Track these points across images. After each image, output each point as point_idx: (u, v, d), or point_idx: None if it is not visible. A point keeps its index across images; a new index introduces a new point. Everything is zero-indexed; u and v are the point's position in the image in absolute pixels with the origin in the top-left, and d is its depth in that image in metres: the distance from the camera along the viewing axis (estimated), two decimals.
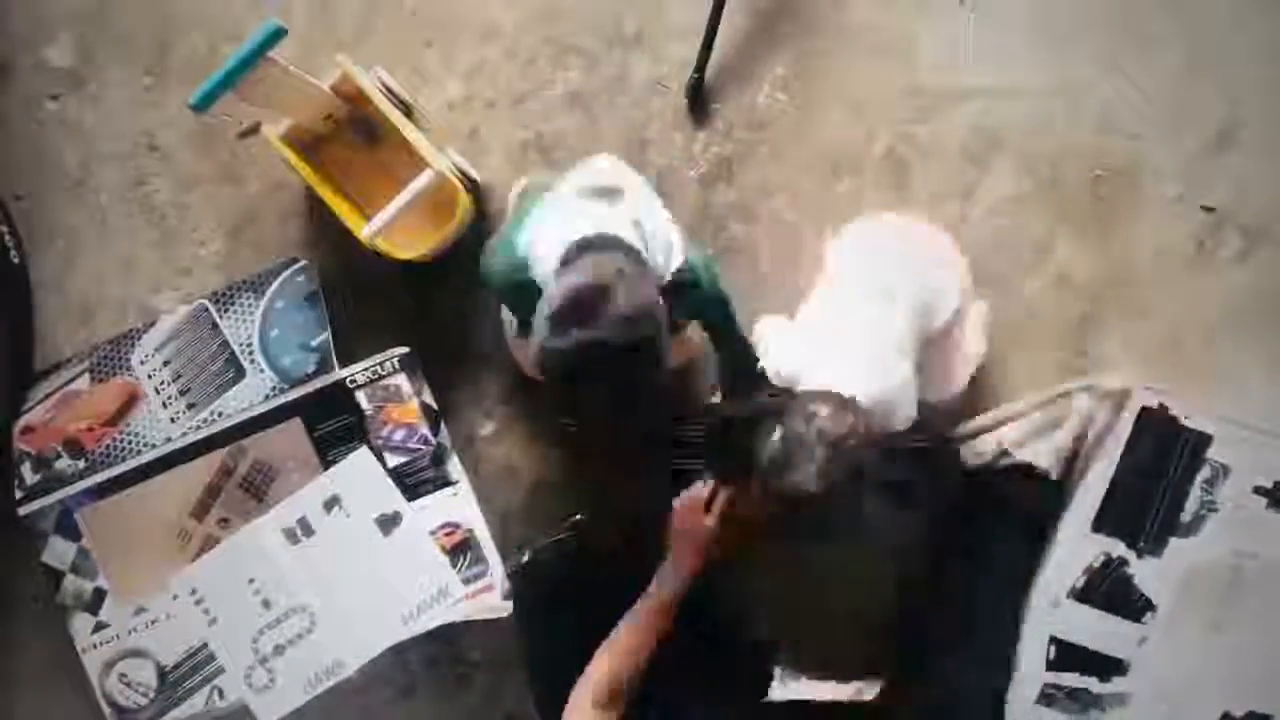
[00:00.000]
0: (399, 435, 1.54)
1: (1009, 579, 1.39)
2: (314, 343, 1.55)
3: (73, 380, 1.59)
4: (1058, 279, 1.49)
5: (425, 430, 1.54)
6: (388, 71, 1.51)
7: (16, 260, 1.62)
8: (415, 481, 1.54)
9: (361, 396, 1.54)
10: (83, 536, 1.56)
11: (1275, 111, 1.48)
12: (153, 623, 1.54)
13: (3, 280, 1.60)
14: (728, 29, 1.49)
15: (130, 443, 1.57)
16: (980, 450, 1.42)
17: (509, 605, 1.47)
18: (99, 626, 1.55)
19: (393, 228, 1.38)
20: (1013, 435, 1.41)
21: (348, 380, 1.54)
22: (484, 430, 1.57)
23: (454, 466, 1.54)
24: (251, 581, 1.52)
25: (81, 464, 1.57)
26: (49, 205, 1.64)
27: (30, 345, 1.64)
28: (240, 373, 1.57)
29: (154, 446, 1.57)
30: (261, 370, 1.56)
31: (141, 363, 1.59)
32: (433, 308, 1.58)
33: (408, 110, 1.54)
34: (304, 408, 1.55)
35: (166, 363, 1.58)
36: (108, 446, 1.57)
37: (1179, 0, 1.48)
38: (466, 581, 1.52)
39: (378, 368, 1.54)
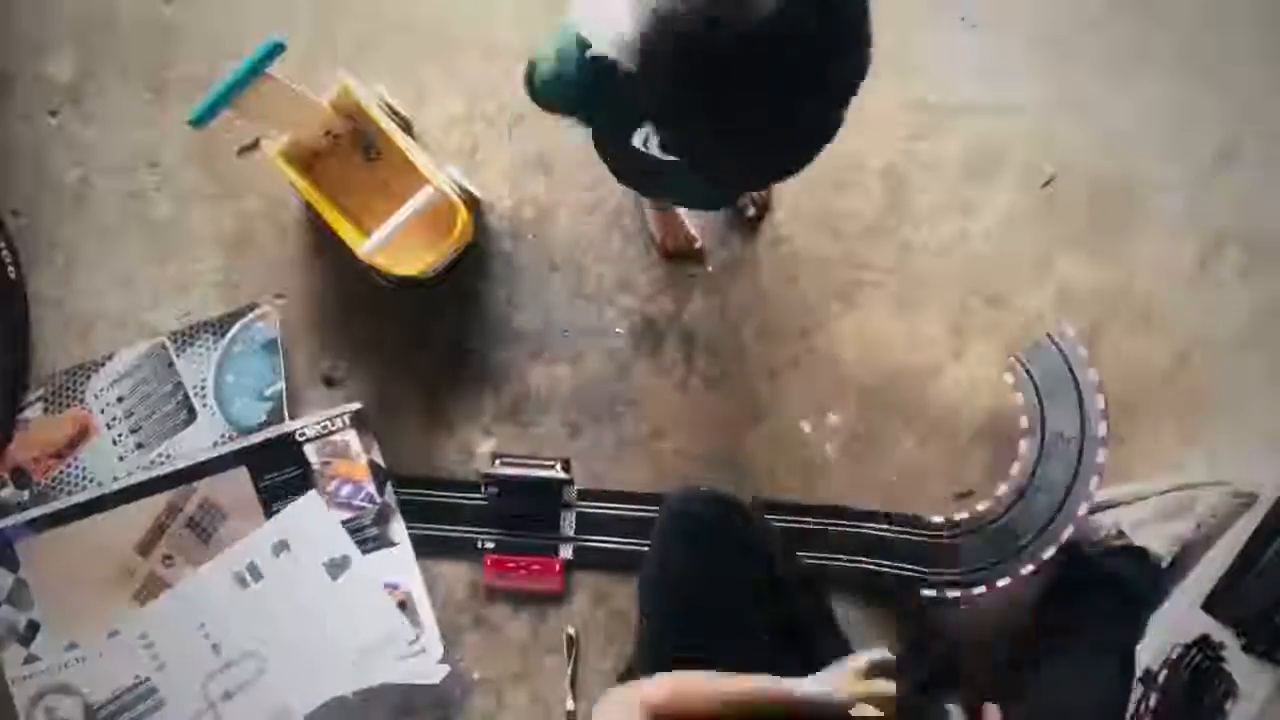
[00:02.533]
0: (345, 491, 1.53)
1: (1108, 660, 1.33)
2: (267, 392, 1.55)
3: (26, 408, 1.58)
4: (1058, 296, 1.48)
5: (371, 489, 1.53)
6: (388, 88, 1.51)
7: (14, 275, 1.62)
8: (358, 540, 1.52)
9: (310, 450, 1.53)
10: (21, 567, 1.53)
11: (1276, 128, 1.48)
12: (83, 660, 1.50)
13: (0, 296, 1.59)
14: None
15: (77, 477, 1.55)
16: (1096, 526, 1.40)
17: (442, 670, 1.46)
18: (30, 659, 1.51)
19: (392, 244, 1.37)
20: (1132, 517, 1.38)
21: (297, 433, 1.53)
22: (482, 448, 1.57)
23: (397, 527, 1.53)
24: (202, 626, 1.50)
25: (26, 495, 1.55)
26: (47, 220, 1.64)
27: (27, 361, 1.63)
28: (192, 415, 1.56)
29: (100, 484, 1.55)
30: (213, 414, 1.55)
31: (95, 396, 1.57)
32: (431, 324, 1.57)
33: (408, 127, 1.54)
34: (252, 457, 1.53)
35: (120, 399, 1.57)
36: (54, 479, 1.55)
37: (1179, 16, 1.49)
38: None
39: (328, 423, 1.53)
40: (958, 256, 1.51)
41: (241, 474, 1.53)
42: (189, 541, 1.53)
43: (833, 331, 1.52)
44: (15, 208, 1.64)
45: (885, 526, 1.46)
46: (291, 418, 1.55)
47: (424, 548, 1.55)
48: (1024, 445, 1.39)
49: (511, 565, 1.53)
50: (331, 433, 1.53)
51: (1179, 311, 1.48)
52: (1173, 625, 1.32)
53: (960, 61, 1.51)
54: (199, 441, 1.55)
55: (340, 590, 1.51)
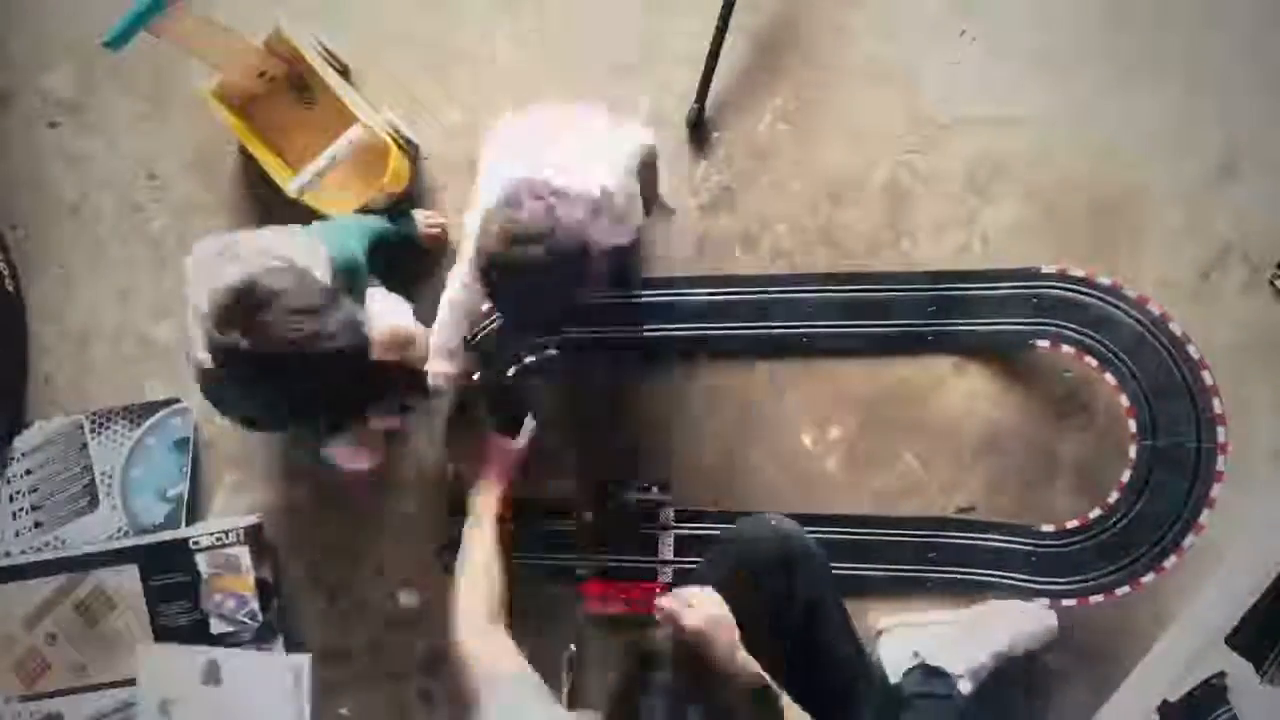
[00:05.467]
0: (229, 605, 1.53)
1: None
2: (170, 493, 1.56)
3: None
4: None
5: (255, 606, 1.52)
6: (388, 99, 1.51)
7: (12, 288, 1.61)
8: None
9: (201, 559, 1.52)
10: None
11: (1276, 141, 1.47)
12: None
13: None
14: (729, 59, 1.48)
15: None
16: (897, 656, 1.42)
17: None
18: None
19: (324, 184, 1.35)
20: (929, 644, 1.40)
21: (190, 541, 1.52)
22: None
23: (276, 646, 1.54)
24: None
25: None
26: (46, 233, 1.64)
27: (25, 374, 1.63)
28: (94, 503, 1.56)
29: None
30: (114, 506, 1.55)
31: (4, 465, 1.58)
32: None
33: (345, 72, 1.54)
34: (143, 557, 1.53)
35: (29, 472, 1.58)
36: None
37: (1178, 30, 1.48)
38: None
39: (222, 535, 1.52)
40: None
41: (132, 571, 1.53)
42: (75, 625, 1.54)
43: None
44: (14, 221, 1.64)
45: (996, 536, 1.45)
46: (192, 521, 1.55)
47: (525, 577, 1.51)
48: (1134, 450, 1.36)
49: (611, 591, 1.51)
50: (224, 545, 1.52)
51: (1181, 325, 1.47)
52: (1193, 658, 1.31)
53: (961, 75, 1.51)
54: (95, 531, 1.55)
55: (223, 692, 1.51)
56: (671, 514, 1.52)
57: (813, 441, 1.52)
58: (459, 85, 1.58)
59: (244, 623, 1.52)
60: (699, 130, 1.53)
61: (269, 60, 1.44)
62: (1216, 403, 1.32)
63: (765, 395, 1.52)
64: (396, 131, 1.47)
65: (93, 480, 1.57)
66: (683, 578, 1.50)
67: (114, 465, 1.57)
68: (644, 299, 1.52)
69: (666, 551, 1.52)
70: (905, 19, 1.52)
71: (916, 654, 1.39)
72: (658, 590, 1.50)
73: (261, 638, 1.52)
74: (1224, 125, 1.48)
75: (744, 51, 1.52)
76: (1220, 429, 1.32)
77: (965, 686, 1.34)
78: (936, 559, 1.47)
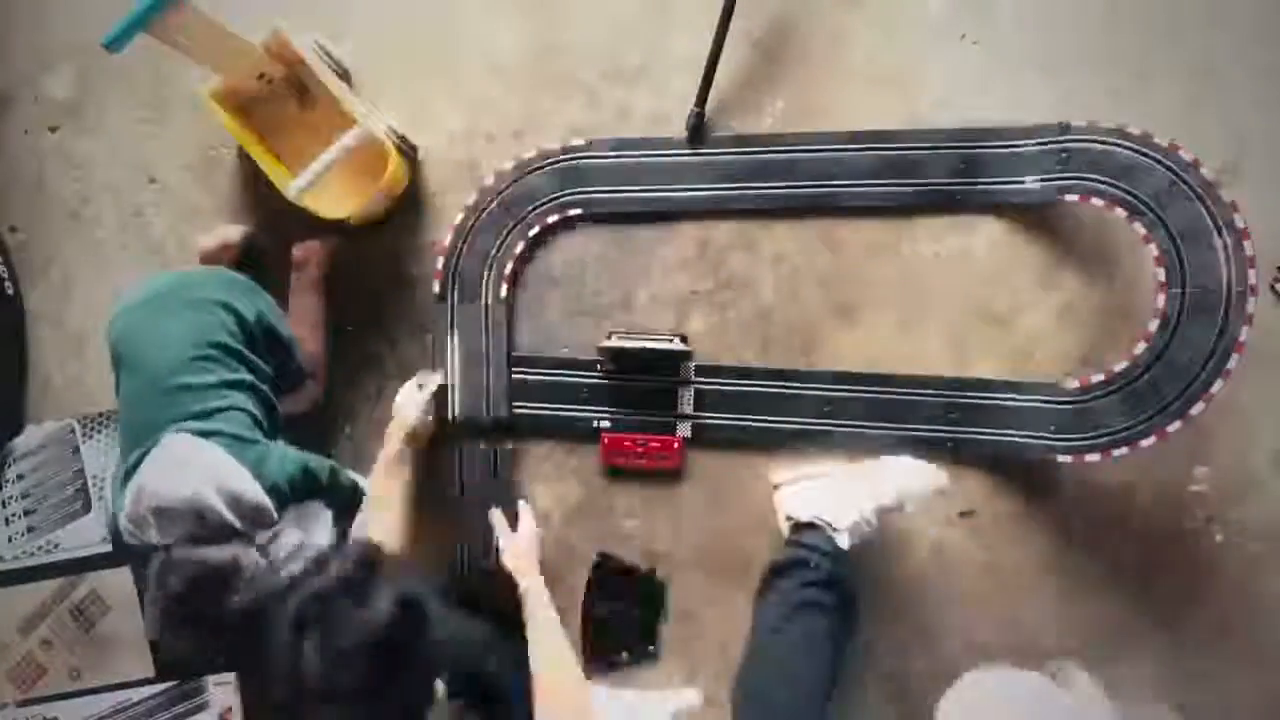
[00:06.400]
0: None
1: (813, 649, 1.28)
2: None
3: None
4: (1061, 313, 1.47)
5: None
6: (390, 106, 1.51)
7: (11, 292, 1.61)
8: None
9: None
10: None
11: (1278, 142, 1.47)
12: None
13: None
14: (729, 63, 1.48)
15: None
16: (792, 509, 1.40)
17: None
18: None
19: (322, 187, 1.36)
20: (816, 496, 1.39)
21: None
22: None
23: None
24: None
25: None
26: (46, 237, 1.64)
27: (24, 378, 1.63)
28: (86, 506, 1.56)
29: None
30: (107, 508, 1.55)
31: (3, 468, 1.58)
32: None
33: (345, 75, 1.54)
34: (134, 557, 1.50)
35: (21, 477, 1.58)
36: None
37: (1179, 33, 1.48)
38: None
39: None
40: (959, 274, 1.50)
41: (125, 572, 1.53)
42: (71, 630, 1.53)
43: (834, 348, 1.51)
44: (14, 224, 1.64)
45: (1013, 396, 1.44)
46: None
47: (542, 428, 1.54)
48: (1161, 300, 1.34)
49: (629, 444, 1.51)
50: None
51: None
52: None
53: (962, 78, 1.51)
54: (88, 535, 1.55)
55: None
56: (693, 369, 1.51)
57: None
58: (459, 88, 1.58)
59: None
60: (699, 134, 1.52)
61: (268, 63, 1.44)
62: (1249, 245, 1.30)
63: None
64: (396, 134, 1.47)
65: (85, 483, 1.56)
66: (700, 432, 1.50)
67: (104, 467, 1.56)
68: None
69: (686, 406, 1.51)
70: (906, 22, 1.52)
71: (819, 517, 1.35)
72: (676, 444, 1.51)
73: None
74: (1225, 126, 1.47)
75: (744, 55, 1.52)
76: (1251, 271, 1.30)
77: (844, 541, 1.32)
78: (959, 419, 1.46)
